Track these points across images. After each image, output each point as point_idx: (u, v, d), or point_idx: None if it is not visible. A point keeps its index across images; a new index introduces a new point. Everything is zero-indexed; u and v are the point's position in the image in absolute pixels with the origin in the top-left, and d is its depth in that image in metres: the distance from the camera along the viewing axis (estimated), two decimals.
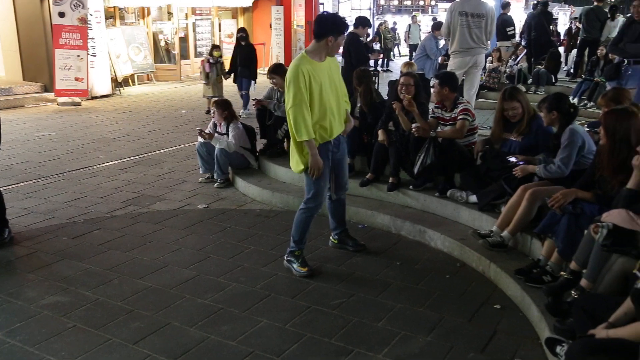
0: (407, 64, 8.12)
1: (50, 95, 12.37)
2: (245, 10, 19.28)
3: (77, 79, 11.97)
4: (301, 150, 3.98)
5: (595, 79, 9.62)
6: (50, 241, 4.85)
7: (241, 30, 11.05)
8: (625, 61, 5.81)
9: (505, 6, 11.88)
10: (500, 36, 11.62)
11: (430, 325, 3.51)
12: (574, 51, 12.92)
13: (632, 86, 5.46)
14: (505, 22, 11.70)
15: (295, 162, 4.08)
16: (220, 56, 10.88)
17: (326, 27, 3.89)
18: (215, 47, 11.09)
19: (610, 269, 2.94)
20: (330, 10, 22.71)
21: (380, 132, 5.36)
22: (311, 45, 3.99)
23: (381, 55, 18.61)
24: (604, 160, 3.45)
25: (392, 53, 22.23)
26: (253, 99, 6.66)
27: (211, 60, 10.60)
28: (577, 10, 16.41)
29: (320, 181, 4.08)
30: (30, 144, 8.43)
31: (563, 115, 4.13)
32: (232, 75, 10.73)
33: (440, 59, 10.21)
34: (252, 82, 10.75)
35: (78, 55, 11.90)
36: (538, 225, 3.82)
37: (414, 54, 19.44)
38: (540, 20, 11.84)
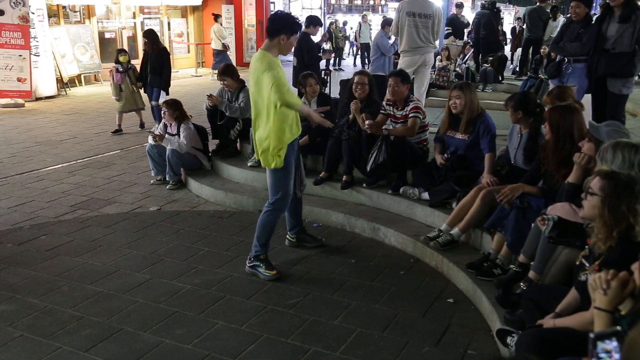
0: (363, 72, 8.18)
1: None
2: (195, 9, 19.02)
3: (19, 80, 11.54)
4: (275, 149, 3.94)
5: (540, 77, 9.94)
6: None
7: (147, 33, 9.02)
8: (566, 60, 6.02)
9: (459, 6, 12.06)
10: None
11: (385, 321, 3.55)
12: (519, 50, 13.30)
13: (573, 84, 5.64)
14: (449, 22, 11.99)
15: (270, 160, 3.99)
16: (129, 61, 9.09)
17: (279, 25, 3.92)
18: (120, 52, 9.24)
19: (556, 261, 3.04)
20: (281, 10, 22.64)
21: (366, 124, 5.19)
22: (265, 44, 3.99)
23: (332, 55, 18.69)
24: (549, 155, 3.58)
25: (343, 52, 22.37)
26: (207, 94, 6.49)
27: (120, 69, 8.93)
28: (521, 11, 16.88)
29: (289, 181, 4.08)
30: None
31: (529, 116, 4.16)
32: (143, 83, 9.12)
33: (392, 57, 10.32)
34: (164, 92, 8.93)
35: (20, 55, 11.48)
36: (488, 220, 3.93)
37: (365, 53, 19.64)
38: (490, 19, 12.12)
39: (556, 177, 3.52)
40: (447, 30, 12.10)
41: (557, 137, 3.51)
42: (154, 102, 8.95)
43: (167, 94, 8.87)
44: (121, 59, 8.95)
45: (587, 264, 2.52)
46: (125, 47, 16.02)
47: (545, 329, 2.58)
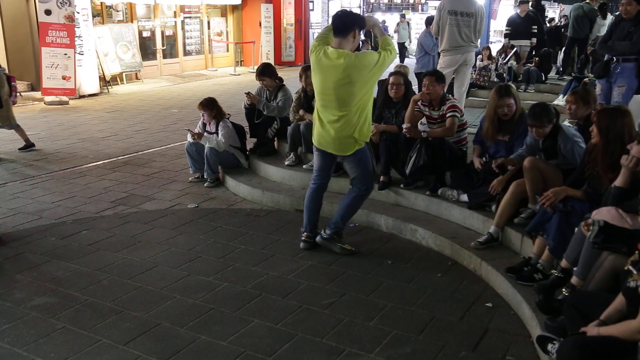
0: (400, 67, 8.12)
1: (37, 94, 12.27)
2: (234, 8, 19.22)
3: (64, 78, 11.86)
4: (358, 129, 4.18)
5: (584, 80, 9.65)
6: (38, 242, 4.80)
7: None
8: (614, 59, 5.84)
9: (524, 2, 11.61)
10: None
11: (421, 324, 3.51)
12: (563, 49, 12.93)
13: (621, 84, 5.49)
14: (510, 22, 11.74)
15: (347, 145, 4.23)
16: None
17: (351, 20, 4.08)
18: None
19: (601, 267, 2.95)
20: (320, 9, 22.67)
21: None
22: (339, 42, 4.08)
23: None
24: (598, 159, 3.46)
25: None
26: (245, 92, 6.56)
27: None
28: (567, 8, 16.35)
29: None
30: (17, 144, 8.34)
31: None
32: None
33: (436, 55, 10.19)
34: None
35: (65, 54, 11.80)
36: (529, 224, 3.83)
37: (405, 53, 19.51)
38: (537, 17, 11.78)
39: (603, 181, 3.41)
40: (506, 30, 11.77)
41: (607, 141, 3.39)
42: None
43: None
44: None
45: (635, 271, 2.42)
46: (161, 46, 16.37)
47: (588, 336, 2.50)
